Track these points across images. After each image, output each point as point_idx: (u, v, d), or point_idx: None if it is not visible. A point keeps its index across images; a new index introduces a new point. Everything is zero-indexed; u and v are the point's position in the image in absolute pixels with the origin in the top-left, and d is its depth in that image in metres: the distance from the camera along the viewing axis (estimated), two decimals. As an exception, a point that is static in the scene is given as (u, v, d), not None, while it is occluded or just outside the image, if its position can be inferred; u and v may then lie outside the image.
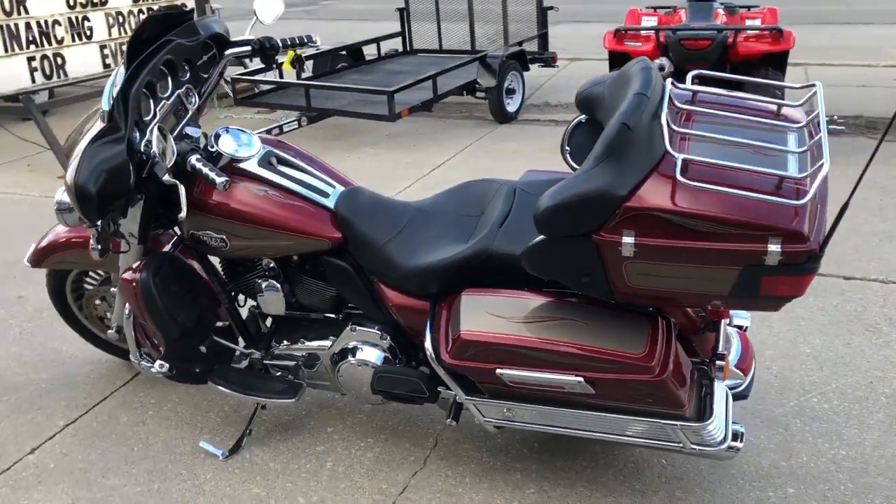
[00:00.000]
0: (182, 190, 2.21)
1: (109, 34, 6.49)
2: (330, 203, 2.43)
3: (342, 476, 2.51)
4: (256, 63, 7.21)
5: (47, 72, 6.00)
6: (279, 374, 2.65)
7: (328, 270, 2.45)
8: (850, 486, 2.37)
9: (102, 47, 6.44)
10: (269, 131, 5.79)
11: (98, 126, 2.18)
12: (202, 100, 2.62)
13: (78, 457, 2.63)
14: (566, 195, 1.90)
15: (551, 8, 7.59)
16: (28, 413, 2.87)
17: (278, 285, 2.52)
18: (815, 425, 2.65)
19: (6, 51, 5.68)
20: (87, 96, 6.63)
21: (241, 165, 2.41)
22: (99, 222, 2.17)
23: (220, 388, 2.59)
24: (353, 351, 2.47)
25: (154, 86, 2.37)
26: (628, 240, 1.87)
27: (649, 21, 5.91)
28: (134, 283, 2.40)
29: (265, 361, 2.64)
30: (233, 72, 7.45)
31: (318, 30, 11.42)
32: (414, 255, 2.32)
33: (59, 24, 6.06)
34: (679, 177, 1.82)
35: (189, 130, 2.47)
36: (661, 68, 5.33)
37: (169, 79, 2.46)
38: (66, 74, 6.16)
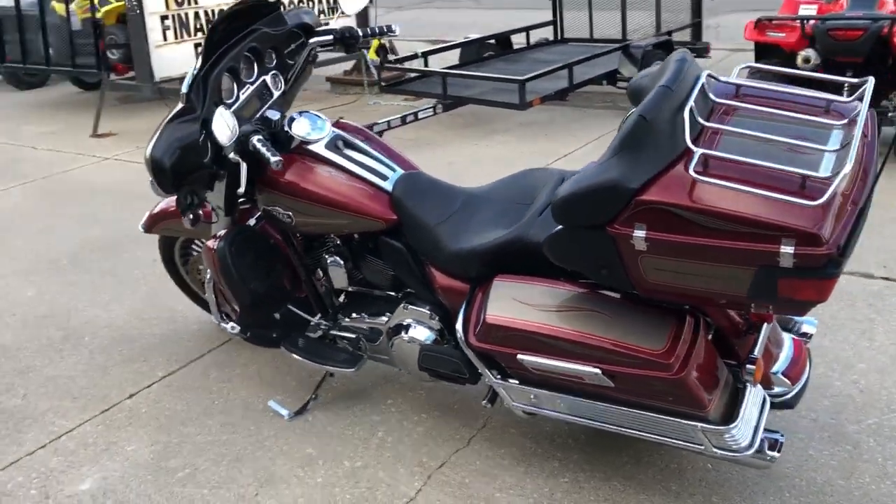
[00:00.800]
0: (244, 167, 2.40)
1: (270, 23, 6.95)
2: (388, 186, 2.54)
3: (389, 446, 2.63)
4: (405, 51, 7.53)
5: (212, 57, 6.52)
6: (344, 344, 2.81)
7: (384, 250, 2.57)
8: (907, 514, 2.21)
9: (263, 35, 6.91)
10: (403, 118, 6.00)
11: (178, 107, 2.42)
12: (288, 85, 2.80)
13: (166, 405, 2.93)
14: (581, 186, 1.91)
15: (708, -5, 7.31)
16: (135, 363, 3.21)
17: (341, 261, 2.67)
18: (890, 446, 2.47)
19: (176, 37, 6.25)
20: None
21: (311, 147, 2.57)
22: (177, 194, 2.42)
23: (290, 353, 2.79)
24: (406, 328, 2.58)
25: (238, 71, 2.58)
26: (640, 233, 1.86)
27: (808, 10, 5.55)
28: (213, 251, 2.64)
29: (332, 332, 2.81)
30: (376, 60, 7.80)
31: (481, 19, 11.63)
32: (459, 239, 2.39)
33: (225, 14, 6.56)
34: (691, 172, 1.79)
35: (269, 113, 2.65)
36: (807, 60, 5.01)
37: (255, 64, 2.67)
38: (228, 60, 6.67)
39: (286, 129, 2.54)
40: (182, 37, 6.28)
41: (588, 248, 1.97)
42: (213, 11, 6.45)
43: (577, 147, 5.71)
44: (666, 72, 1.97)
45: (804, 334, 2.44)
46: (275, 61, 2.74)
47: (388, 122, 5.91)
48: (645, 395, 2.09)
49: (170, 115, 2.41)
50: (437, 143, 6.08)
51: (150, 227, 3.14)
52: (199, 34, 6.39)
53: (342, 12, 2.86)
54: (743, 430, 2.06)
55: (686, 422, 2.07)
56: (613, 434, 2.25)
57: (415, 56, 7.20)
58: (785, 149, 1.83)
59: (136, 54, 6.19)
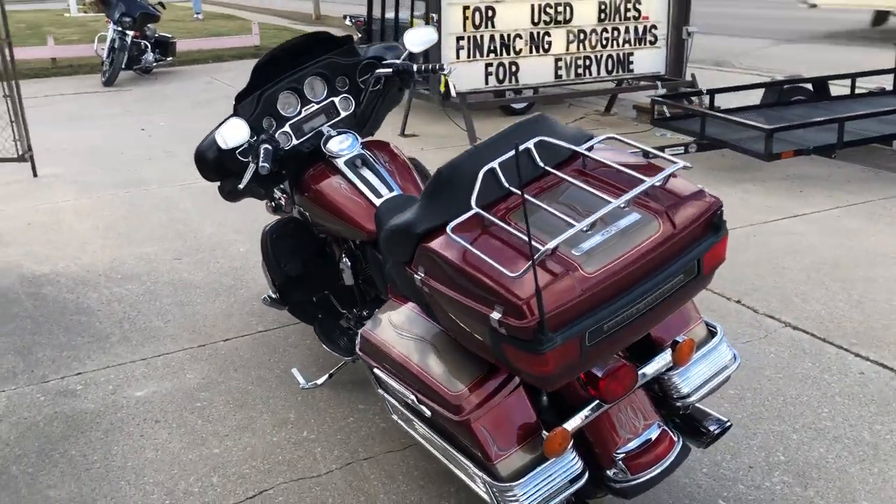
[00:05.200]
0: (251, 168, 2.89)
1: (567, 49, 7.33)
2: (377, 202, 2.86)
3: (348, 430, 2.97)
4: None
5: (500, 77, 7.12)
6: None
7: (370, 258, 2.90)
8: None
9: (557, 60, 7.32)
10: (646, 153, 5.93)
11: (230, 114, 3.02)
12: (361, 107, 3.21)
13: (242, 353, 3.60)
14: (392, 224, 2.10)
15: None
16: (254, 316, 3.93)
17: (348, 262, 3.06)
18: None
19: (469, 57, 6.95)
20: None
21: (335, 161, 2.99)
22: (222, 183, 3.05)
23: (315, 332, 3.26)
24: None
25: (301, 91, 3.09)
26: (419, 276, 1.99)
27: None
28: (262, 233, 3.22)
29: (343, 324, 3.21)
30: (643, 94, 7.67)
31: (837, 57, 10.48)
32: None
33: (521, 38, 7.11)
34: (448, 229, 1.88)
35: (324, 128, 3.11)
36: None
37: (326, 87, 3.15)
38: (517, 80, 7.21)
39: (322, 144, 3.00)
40: (474, 57, 6.95)
41: (404, 281, 2.13)
42: (507, 35, 7.02)
43: (824, 209, 5.16)
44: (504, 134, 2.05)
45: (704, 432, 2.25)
46: (347, 86, 3.19)
47: (628, 155, 5.91)
48: (451, 432, 2.16)
49: (221, 122, 3.01)
50: (678, 183, 5.91)
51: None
52: (492, 55, 7.01)
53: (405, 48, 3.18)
54: (531, 494, 2.03)
55: (476, 469, 2.10)
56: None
57: (698, 92, 7.00)
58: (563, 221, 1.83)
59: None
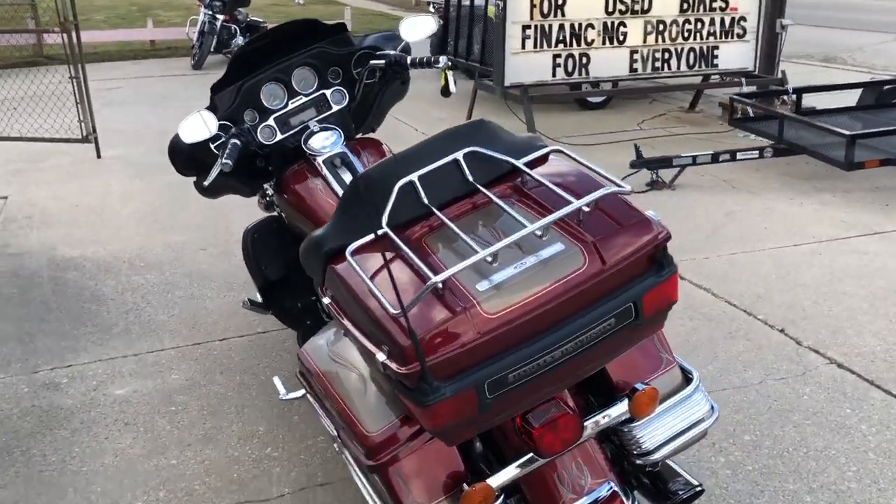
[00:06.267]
0: (219, 163, 2.69)
1: (644, 41, 6.87)
2: (350, 206, 2.63)
3: (313, 450, 2.76)
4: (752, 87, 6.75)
5: (569, 69, 6.74)
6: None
7: None
8: None
9: (633, 52, 6.87)
10: (715, 156, 5.49)
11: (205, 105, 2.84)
12: (355, 101, 2.98)
13: (234, 355, 3.46)
14: (308, 237, 1.86)
15: None
16: (256, 315, 3.77)
17: None
18: None
19: (535, 47, 6.60)
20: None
21: (316, 160, 2.77)
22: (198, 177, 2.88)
23: (297, 340, 3.07)
24: None
25: (287, 82, 2.88)
26: (327, 300, 1.75)
27: None
28: (244, 232, 3.04)
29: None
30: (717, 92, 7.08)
31: None
32: None
33: (593, 28, 6.70)
34: (347, 251, 1.63)
35: (311, 123, 2.90)
36: None
37: (316, 78, 2.93)
38: (587, 73, 6.81)
39: (304, 140, 2.78)
40: (541, 47, 6.58)
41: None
42: (578, 25, 6.62)
43: (902, 227, 4.61)
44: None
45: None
46: (339, 78, 2.96)
47: (694, 157, 5.47)
48: (369, 479, 1.92)
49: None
50: (748, 189, 5.42)
51: None
52: (560, 46, 6.64)
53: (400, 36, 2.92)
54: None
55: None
56: None
57: (783, 91, 6.43)
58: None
59: (494, 58, 6.72)
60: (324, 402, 2.01)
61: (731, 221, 4.81)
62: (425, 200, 1.71)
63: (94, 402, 3.11)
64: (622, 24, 6.77)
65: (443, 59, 2.88)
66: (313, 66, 2.89)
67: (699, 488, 1.98)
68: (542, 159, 1.81)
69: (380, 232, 1.65)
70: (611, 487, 1.87)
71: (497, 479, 1.75)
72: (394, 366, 1.47)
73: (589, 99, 7.98)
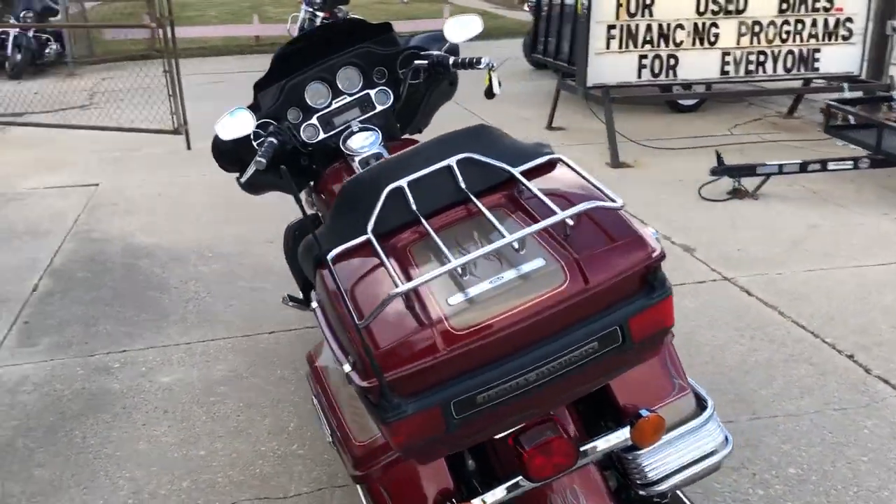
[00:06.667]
0: (255, 163, 2.71)
1: (737, 42, 6.57)
2: (382, 198, 2.59)
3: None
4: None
5: (655, 70, 6.51)
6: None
7: None
8: None
9: (725, 54, 6.58)
10: (804, 166, 5.18)
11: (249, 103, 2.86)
12: (400, 101, 2.94)
13: (282, 349, 3.49)
14: (303, 242, 1.84)
15: None
16: (292, 309, 3.80)
17: None
18: None
19: (620, 47, 6.41)
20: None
21: (353, 160, 2.75)
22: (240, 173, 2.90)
23: None
24: None
25: (332, 81, 2.87)
26: (314, 303, 1.73)
27: None
28: (286, 228, 3.06)
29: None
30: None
31: None
32: None
33: (682, 28, 6.46)
34: (328, 256, 1.60)
35: (352, 123, 2.88)
36: None
37: (361, 78, 2.91)
38: (675, 75, 6.57)
39: (343, 140, 2.77)
40: (627, 47, 6.38)
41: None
42: (667, 25, 6.38)
43: None
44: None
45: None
46: (384, 78, 2.93)
47: (780, 166, 5.19)
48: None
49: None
50: (837, 202, 5.09)
51: None
52: (648, 46, 6.42)
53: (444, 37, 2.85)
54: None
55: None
56: None
57: (888, 98, 6.01)
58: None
59: (577, 58, 6.56)
60: (321, 405, 1.99)
61: (813, 235, 4.53)
62: (413, 207, 1.65)
63: (139, 389, 3.20)
64: (714, 24, 6.49)
65: (485, 60, 2.81)
66: (358, 65, 2.87)
67: None
68: (546, 168, 1.72)
69: (363, 238, 1.61)
70: (613, 515, 1.77)
71: (485, 500, 1.68)
72: (356, 378, 1.43)
73: (681, 102, 7.69)
